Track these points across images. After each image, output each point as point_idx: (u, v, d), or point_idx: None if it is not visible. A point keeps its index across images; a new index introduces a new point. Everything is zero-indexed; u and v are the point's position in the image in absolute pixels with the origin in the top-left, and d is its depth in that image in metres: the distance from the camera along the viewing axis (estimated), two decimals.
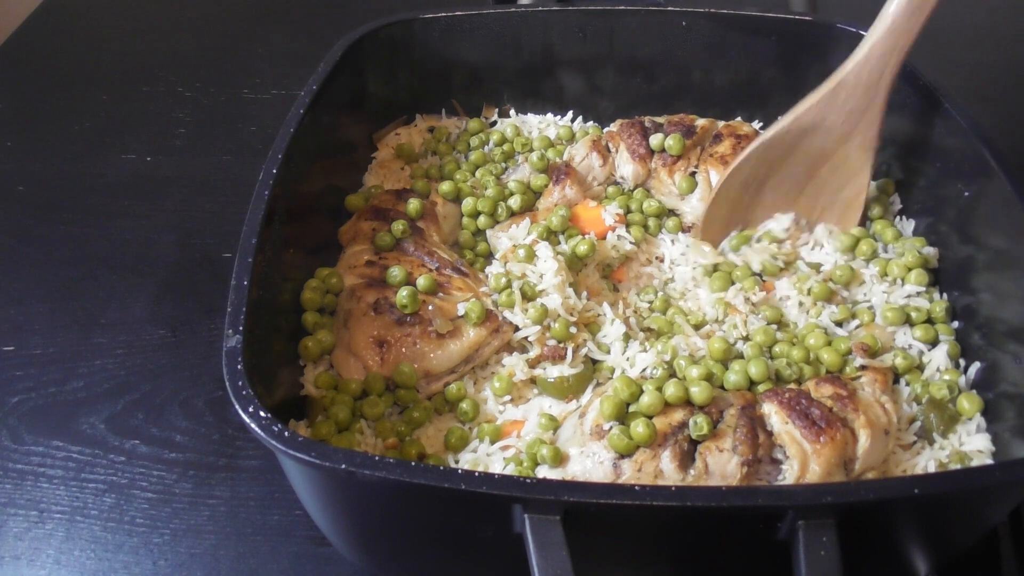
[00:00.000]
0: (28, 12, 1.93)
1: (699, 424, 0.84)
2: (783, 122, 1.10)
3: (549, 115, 1.36)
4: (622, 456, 0.84)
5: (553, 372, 0.99)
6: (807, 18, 1.27)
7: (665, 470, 0.83)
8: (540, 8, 1.29)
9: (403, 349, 0.99)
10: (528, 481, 0.70)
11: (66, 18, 1.94)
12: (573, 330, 1.01)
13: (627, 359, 0.99)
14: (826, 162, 1.09)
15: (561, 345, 1.00)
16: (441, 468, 0.70)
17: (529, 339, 1.02)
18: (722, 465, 0.83)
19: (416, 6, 1.28)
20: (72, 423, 1.10)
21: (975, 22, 1.86)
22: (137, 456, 1.06)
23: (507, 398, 0.99)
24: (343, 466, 0.69)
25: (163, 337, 1.21)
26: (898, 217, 1.17)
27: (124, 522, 1.00)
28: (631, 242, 1.14)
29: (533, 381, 1.00)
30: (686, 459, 0.84)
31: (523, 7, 1.33)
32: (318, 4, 2.00)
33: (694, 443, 0.85)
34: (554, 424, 0.93)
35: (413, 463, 0.70)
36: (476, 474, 0.70)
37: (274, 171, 0.97)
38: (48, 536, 0.99)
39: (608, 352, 1.02)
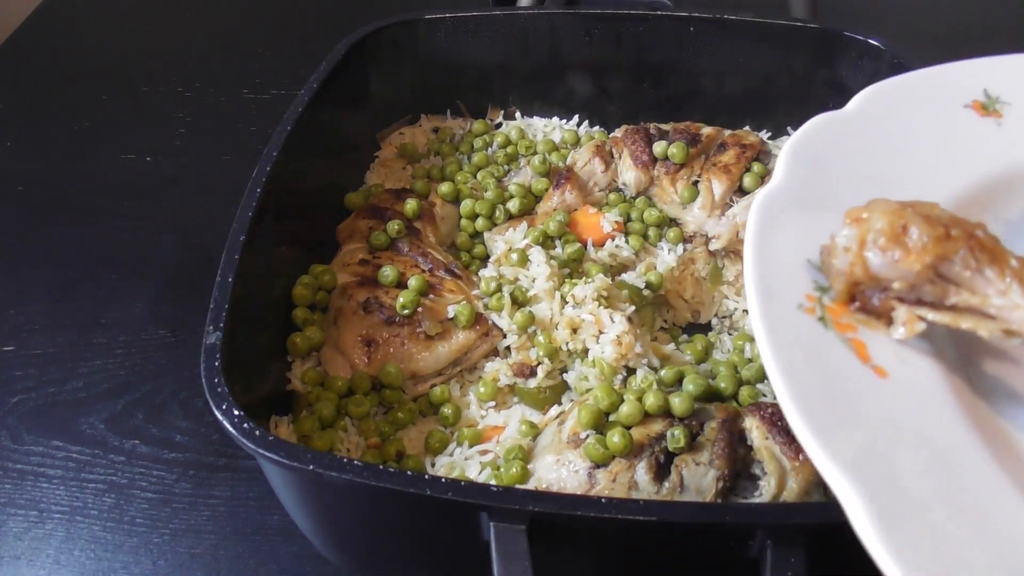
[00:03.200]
0: (28, 12, 1.92)
1: (676, 436, 0.83)
2: None
3: (555, 119, 1.36)
4: (597, 466, 0.83)
5: (531, 380, 0.99)
6: (814, 25, 1.27)
7: (639, 482, 0.82)
8: (546, 10, 1.29)
9: (390, 349, 0.99)
10: (494, 489, 0.69)
11: (66, 18, 1.93)
12: (569, 346, 1.00)
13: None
14: None
15: (531, 362, 1.00)
16: (408, 473, 0.70)
17: (510, 347, 1.02)
18: (697, 479, 0.82)
19: (418, 7, 1.28)
20: (72, 423, 1.10)
21: (975, 22, 1.86)
22: (137, 456, 1.06)
23: (491, 403, 0.99)
24: (310, 467, 0.69)
25: (163, 337, 1.21)
26: None
27: (124, 522, 1.00)
28: (629, 251, 1.13)
29: (513, 388, 1.00)
30: (662, 471, 0.83)
31: (528, 9, 1.33)
32: (319, 5, 2.00)
33: (671, 455, 0.84)
34: (534, 431, 0.93)
35: (380, 467, 0.70)
36: (442, 480, 0.69)
37: (268, 168, 0.97)
38: (48, 536, 0.98)
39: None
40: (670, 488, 0.82)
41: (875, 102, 0.82)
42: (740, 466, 0.84)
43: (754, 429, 0.86)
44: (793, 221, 0.71)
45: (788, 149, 0.76)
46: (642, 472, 0.82)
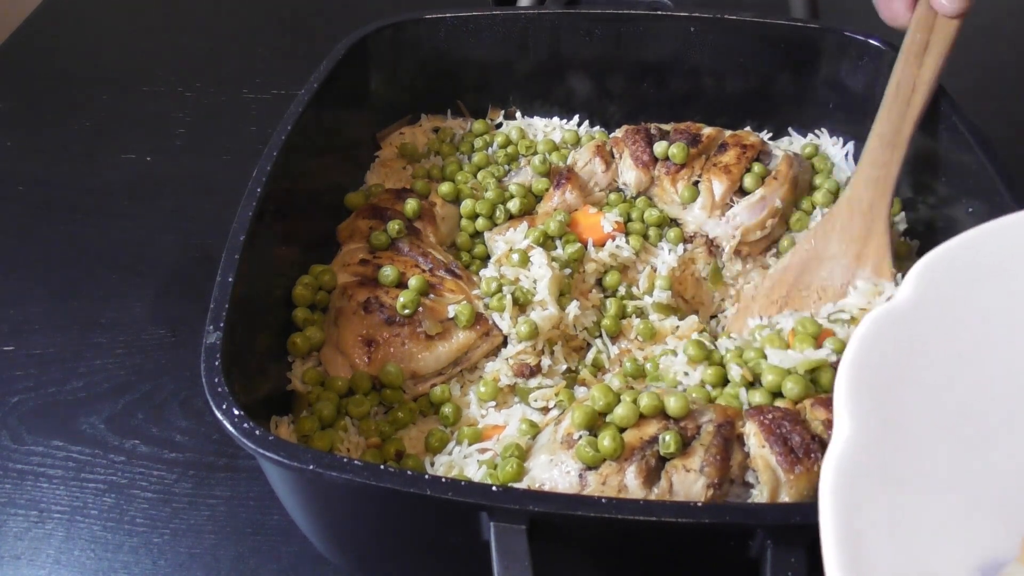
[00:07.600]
0: (28, 12, 1.92)
1: (667, 442, 0.81)
2: (784, 259, 1.11)
3: (555, 119, 1.35)
4: (588, 468, 0.82)
5: (532, 380, 0.99)
6: (814, 25, 1.27)
7: (629, 486, 0.80)
8: (546, 10, 1.29)
9: (391, 349, 0.99)
10: (494, 489, 0.69)
11: (66, 18, 1.93)
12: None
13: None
14: (844, 295, 1.06)
15: (532, 362, 1.00)
16: (408, 473, 0.70)
17: (510, 358, 1.02)
18: (687, 486, 0.80)
19: (418, 7, 1.28)
20: (72, 423, 1.10)
21: (976, 22, 1.86)
22: (137, 456, 1.06)
23: (492, 403, 0.99)
24: (310, 467, 0.69)
25: (163, 337, 1.21)
26: (903, 237, 1.15)
27: (124, 522, 1.00)
28: (629, 251, 1.13)
29: (513, 388, 1.00)
30: (652, 476, 0.81)
31: (528, 9, 1.33)
32: (319, 4, 2.00)
33: (663, 459, 0.82)
34: (534, 430, 0.92)
35: (380, 467, 0.70)
36: (442, 480, 0.69)
37: (268, 168, 0.97)
38: (48, 536, 0.98)
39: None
40: (659, 494, 0.80)
41: (930, 284, 0.66)
42: (736, 472, 0.82)
43: (752, 435, 0.84)
44: (883, 511, 0.53)
45: (847, 387, 0.59)
46: (631, 476, 0.80)
